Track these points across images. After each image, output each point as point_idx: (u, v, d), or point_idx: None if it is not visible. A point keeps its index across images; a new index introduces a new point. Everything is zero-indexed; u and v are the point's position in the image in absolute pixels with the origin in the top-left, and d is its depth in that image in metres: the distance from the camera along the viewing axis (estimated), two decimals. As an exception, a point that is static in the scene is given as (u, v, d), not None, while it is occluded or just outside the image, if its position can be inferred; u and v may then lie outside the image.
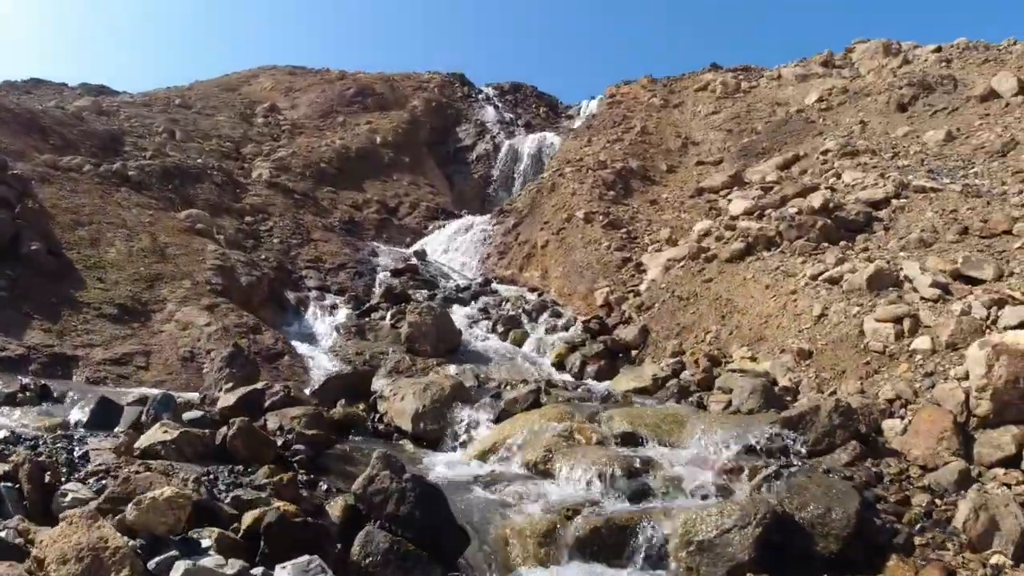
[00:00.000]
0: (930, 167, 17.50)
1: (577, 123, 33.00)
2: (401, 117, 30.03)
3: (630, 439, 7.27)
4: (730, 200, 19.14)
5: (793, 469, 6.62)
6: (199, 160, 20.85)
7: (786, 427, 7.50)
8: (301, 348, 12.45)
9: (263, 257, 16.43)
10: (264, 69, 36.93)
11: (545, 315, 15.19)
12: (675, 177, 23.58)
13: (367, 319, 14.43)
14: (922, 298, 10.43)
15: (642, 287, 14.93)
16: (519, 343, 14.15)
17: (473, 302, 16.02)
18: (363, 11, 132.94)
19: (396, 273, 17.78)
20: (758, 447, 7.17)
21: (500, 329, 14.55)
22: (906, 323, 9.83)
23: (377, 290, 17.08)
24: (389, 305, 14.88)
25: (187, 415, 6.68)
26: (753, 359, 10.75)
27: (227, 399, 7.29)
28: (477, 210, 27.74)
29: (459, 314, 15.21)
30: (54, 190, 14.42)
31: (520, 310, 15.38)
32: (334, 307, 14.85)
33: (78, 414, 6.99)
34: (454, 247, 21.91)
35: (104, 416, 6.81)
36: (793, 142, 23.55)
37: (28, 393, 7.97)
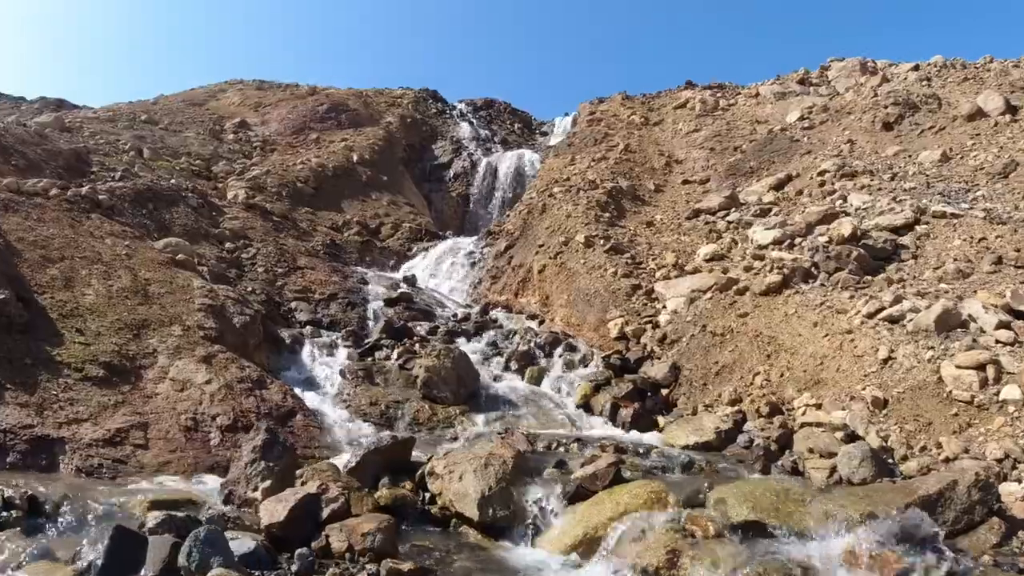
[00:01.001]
0: (940, 190, 16.62)
1: (553, 140, 31.76)
2: (376, 134, 28.39)
3: (755, 529, 5.91)
4: (748, 226, 18.07)
5: (964, 568, 5.36)
6: (171, 180, 19.00)
7: (922, 507, 6.23)
8: (310, 399, 10.83)
9: (250, 290, 14.72)
10: (231, 83, 34.93)
11: (560, 349, 13.79)
12: (663, 197, 22.44)
13: (372, 359, 12.86)
14: (997, 341, 9.33)
15: (661, 318, 13.64)
16: (537, 381, 12.72)
17: (479, 336, 14.56)
18: (325, 26, 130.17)
19: (390, 303, 16.22)
20: (896, 534, 5.88)
21: (514, 366, 13.11)
22: (989, 370, 8.69)
23: (372, 323, 15.51)
24: (392, 342, 13.32)
25: (235, 545, 5.04)
26: (818, 407, 9.49)
27: (273, 510, 5.63)
28: (458, 230, 26.29)
29: (467, 349, 13.75)
30: (19, 219, 12.55)
31: (531, 343, 13.97)
32: (332, 345, 13.23)
33: (90, 553, 5.10)
34: (442, 271, 20.41)
35: (124, 552, 5.07)
36: (780, 161, 22.63)
37: (13, 512, 5.94)
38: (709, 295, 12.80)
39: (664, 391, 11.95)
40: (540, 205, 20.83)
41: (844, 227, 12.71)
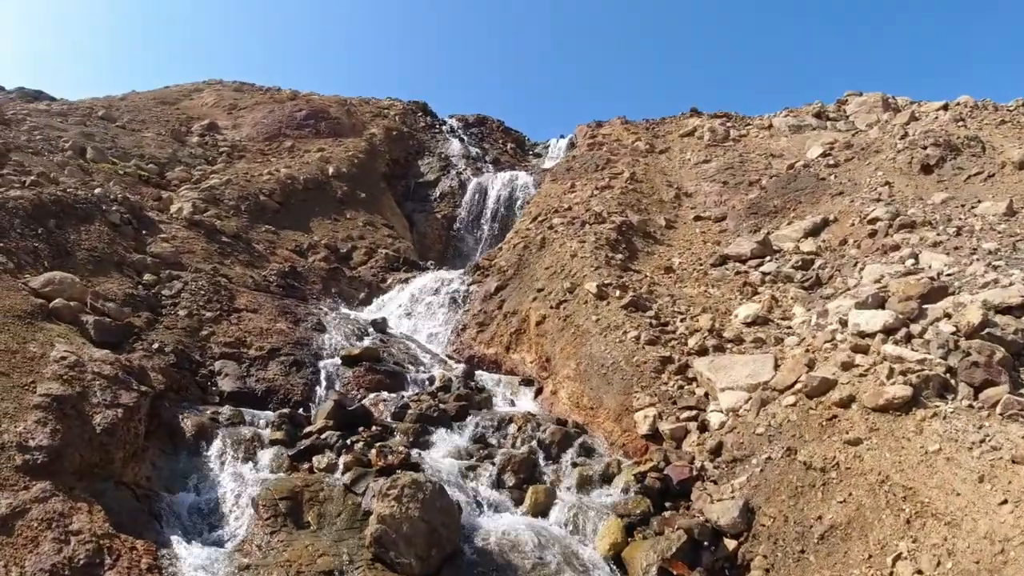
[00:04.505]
0: (1036, 253, 12.24)
1: (548, 162, 27.13)
2: (357, 145, 23.56)
3: None
4: (789, 280, 13.54)
5: None
6: (97, 190, 14.11)
7: None
8: (194, 559, 6.12)
9: (155, 347, 9.92)
10: (210, 83, 29.93)
11: (571, 452, 9.16)
12: (677, 235, 17.92)
13: (308, 467, 8.16)
14: None
15: (711, 417, 9.06)
16: (543, 511, 8.05)
17: (461, 422, 9.83)
18: (322, 34, 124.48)
19: (349, 362, 11.48)
20: None
21: (510, 481, 8.43)
22: None
23: (322, 392, 10.78)
24: (341, 438, 8.59)
25: None
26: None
27: None
28: (441, 256, 21.58)
29: (447, 448, 9.07)
30: None
31: (533, 440, 9.31)
32: (255, 441, 8.47)
33: None
34: (419, 310, 15.68)
35: None
36: (808, 201, 18.20)
37: None
38: (791, 399, 8.19)
39: (732, 543, 7.36)
40: (538, 239, 16.19)
41: (972, 313, 8.19)
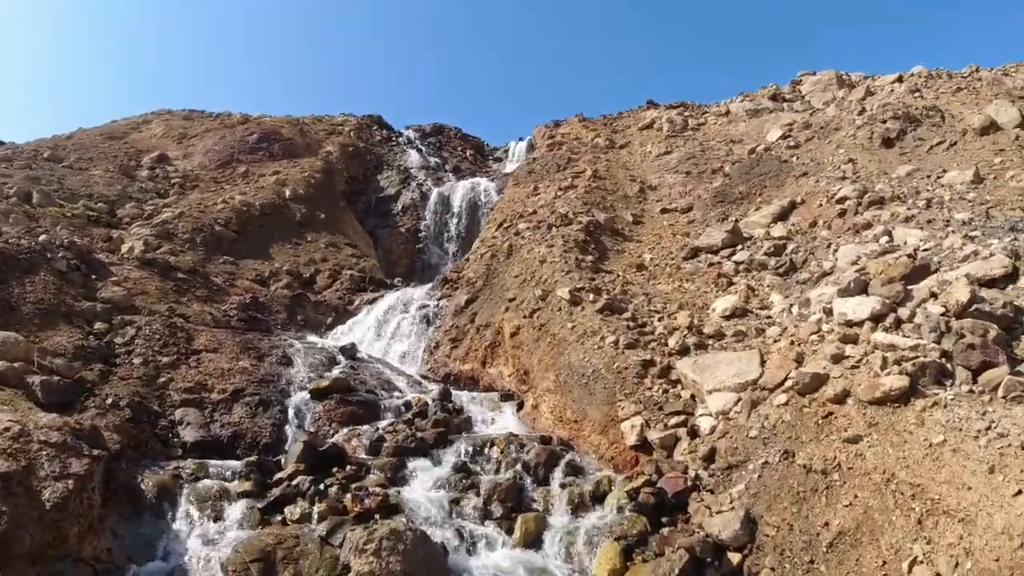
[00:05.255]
0: (1005, 222, 12.01)
1: (508, 166, 26.64)
2: (314, 165, 22.86)
3: None
4: (763, 267, 13.18)
5: None
6: (42, 237, 13.32)
7: None
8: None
9: (109, 402, 9.23)
10: (158, 114, 28.94)
11: (558, 472, 8.65)
12: (645, 229, 17.52)
13: (280, 519, 7.56)
14: None
15: (701, 422, 8.61)
16: (535, 540, 7.53)
17: (442, 449, 9.28)
18: (268, 57, 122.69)
19: (319, 395, 10.86)
20: None
21: (497, 512, 7.90)
22: None
23: (291, 431, 10.17)
24: (314, 483, 8.00)
25: None
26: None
27: None
28: (407, 270, 21.00)
29: (428, 480, 8.53)
30: None
31: (517, 463, 8.78)
32: (222, 496, 7.84)
33: None
34: (390, 331, 15.09)
35: None
36: (773, 185, 17.91)
37: None
38: (783, 398, 7.77)
39: (736, 557, 6.91)
40: (505, 246, 15.69)
41: (959, 291, 7.83)
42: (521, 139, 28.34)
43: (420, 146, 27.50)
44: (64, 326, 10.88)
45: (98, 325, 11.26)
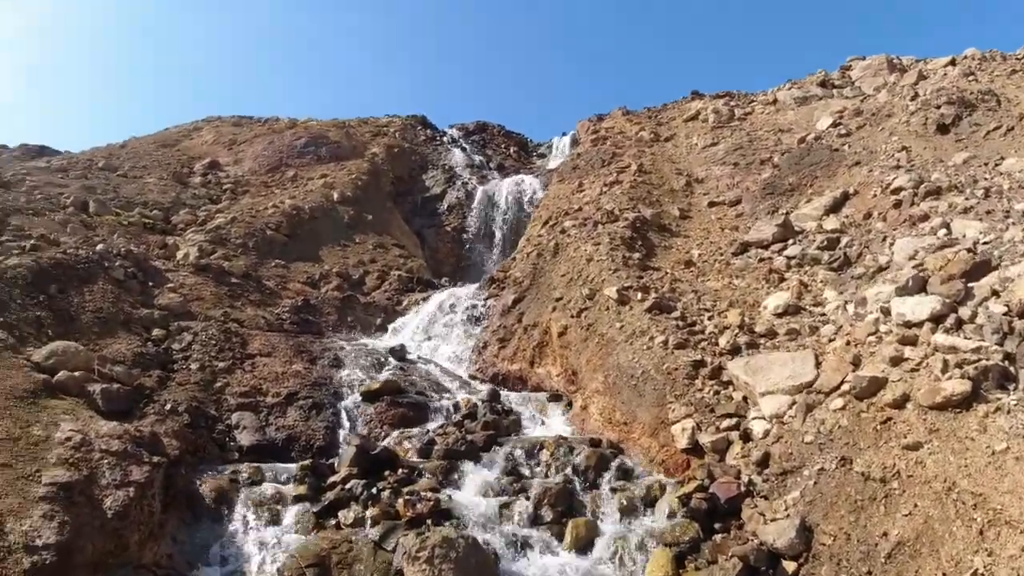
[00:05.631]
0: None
1: (552, 162, 26.53)
2: (360, 167, 23.11)
3: None
4: (816, 262, 12.87)
5: None
6: (99, 246, 13.74)
7: None
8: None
9: (168, 408, 9.48)
10: (208, 121, 29.59)
11: (609, 475, 8.59)
12: (693, 224, 17.25)
13: (334, 524, 7.67)
14: None
15: (754, 426, 8.45)
16: (585, 545, 7.50)
17: (491, 451, 9.30)
18: (312, 60, 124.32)
19: (370, 397, 11.00)
20: None
21: (548, 516, 7.88)
22: None
23: (344, 434, 10.31)
24: (366, 487, 8.09)
25: None
26: None
27: None
28: (455, 269, 21.09)
29: (478, 484, 8.55)
30: None
31: (567, 467, 8.75)
32: (278, 500, 8.00)
33: None
34: (438, 331, 15.19)
35: None
36: (824, 175, 17.45)
37: None
38: (839, 402, 7.57)
39: (791, 566, 6.76)
40: (551, 245, 15.63)
41: (1021, 289, 7.52)
42: (564, 134, 28.22)
43: (464, 145, 27.58)
44: (123, 333, 11.21)
45: (156, 332, 11.58)
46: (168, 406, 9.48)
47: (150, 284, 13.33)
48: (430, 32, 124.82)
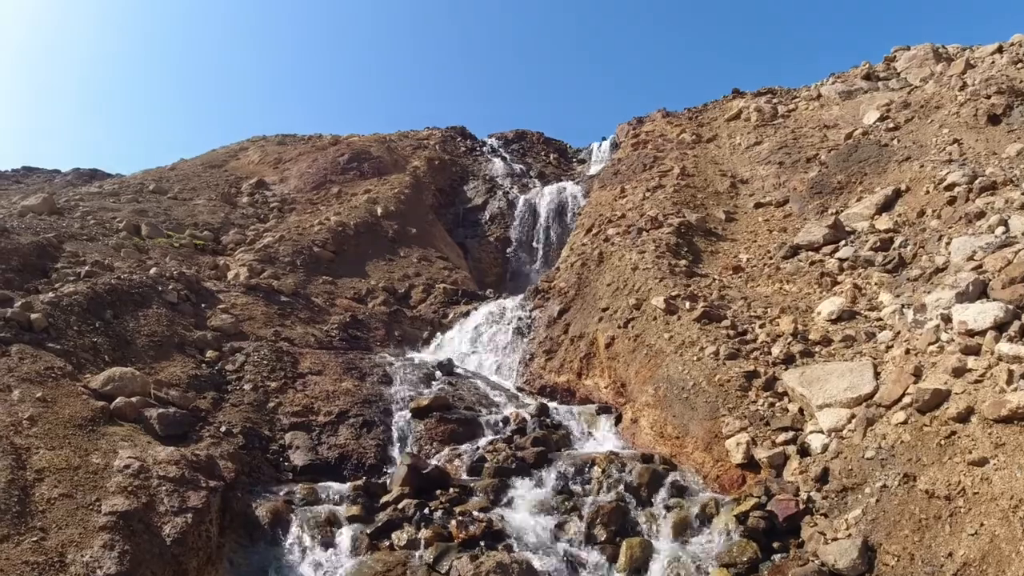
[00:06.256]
0: None
1: (592, 168, 26.39)
2: (402, 181, 23.28)
3: None
4: (869, 264, 12.50)
5: None
6: (152, 270, 14.07)
7: None
8: None
9: (223, 430, 9.62)
10: (253, 140, 30.10)
11: (663, 493, 8.43)
12: (739, 227, 16.93)
13: (388, 545, 7.67)
14: None
15: (811, 440, 8.20)
16: (640, 567, 7.36)
17: (542, 469, 9.21)
18: (349, 74, 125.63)
19: (419, 413, 11.02)
20: None
21: (601, 536, 7.77)
22: None
23: (395, 451, 10.33)
24: (418, 507, 8.08)
25: None
26: None
27: None
28: (497, 279, 21.07)
29: (530, 502, 8.47)
30: None
31: (620, 484, 8.61)
32: (332, 523, 8.04)
33: None
34: (484, 344, 15.16)
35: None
36: (874, 172, 16.96)
37: None
38: (901, 415, 7.29)
39: (854, 588, 6.53)
40: (595, 254, 15.49)
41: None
42: (604, 138, 28.03)
43: (504, 154, 27.59)
44: (177, 356, 11.42)
45: (209, 353, 11.78)
46: (223, 428, 9.62)
47: (202, 306, 13.59)
48: (460, 41, 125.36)
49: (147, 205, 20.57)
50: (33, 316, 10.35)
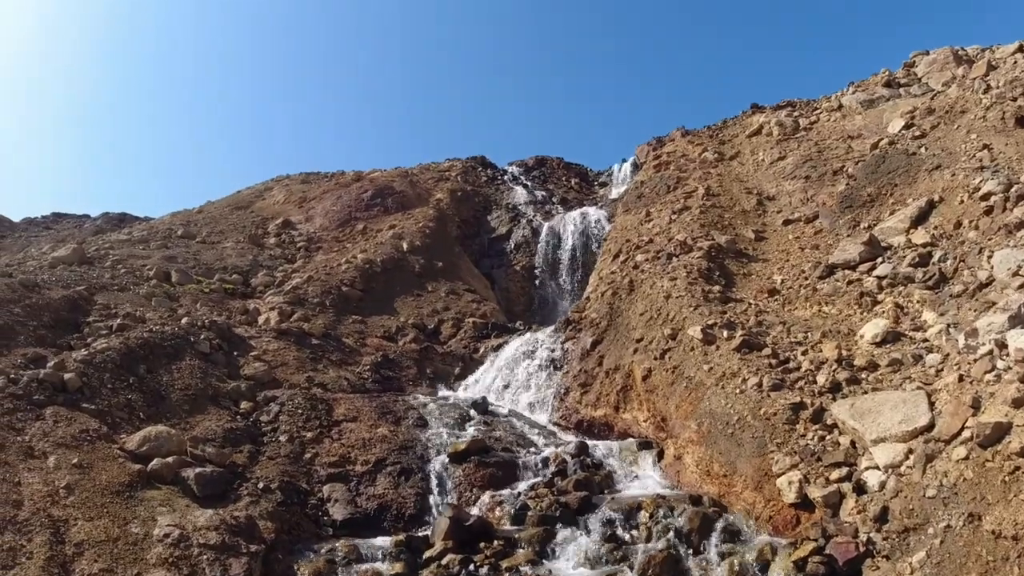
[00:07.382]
0: None
1: (614, 191, 26.15)
2: (426, 214, 23.21)
3: None
4: (909, 281, 12.08)
5: None
6: (183, 320, 14.04)
7: None
8: None
9: (261, 486, 9.44)
10: (277, 180, 30.33)
11: (715, 539, 8.08)
12: (770, 246, 16.56)
13: (433, 607, 7.42)
14: None
15: (868, 477, 7.81)
16: (697, 621, 7.04)
17: (587, 515, 8.90)
18: (364, 109, 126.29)
19: (457, 458, 10.76)
20: None
21: (654, 587, 7.46)
22: None
23: (435, 500, 10.07)
24: (463, 566, 7.81)
25: None
26: None
27: None
28: (525, 308, 20.85)
29: (577, 554, 8.16)
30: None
31: (669, 531, 8.27)
32: (375, 582, 7.81)
33: None
34: (517, 379, 14.89)
35: None
36: (904, 183, 16.50)
37: None
38: (962, 451, 6.91)
39: (928, 640, 6.14)
40: (625, 282, 15.19)
41: None
42: (624, 160, 27.80)
43: (525, 181, 27.47)
44: (212, 409, 11.31)
45: (244, 404, 11.65)
46: (261, 484, 9.44)
47: (235, 354, 13.51)
48: (472, 69, 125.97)
49: (176, 251, 20.67)
50: (67, 376, 10.31)
